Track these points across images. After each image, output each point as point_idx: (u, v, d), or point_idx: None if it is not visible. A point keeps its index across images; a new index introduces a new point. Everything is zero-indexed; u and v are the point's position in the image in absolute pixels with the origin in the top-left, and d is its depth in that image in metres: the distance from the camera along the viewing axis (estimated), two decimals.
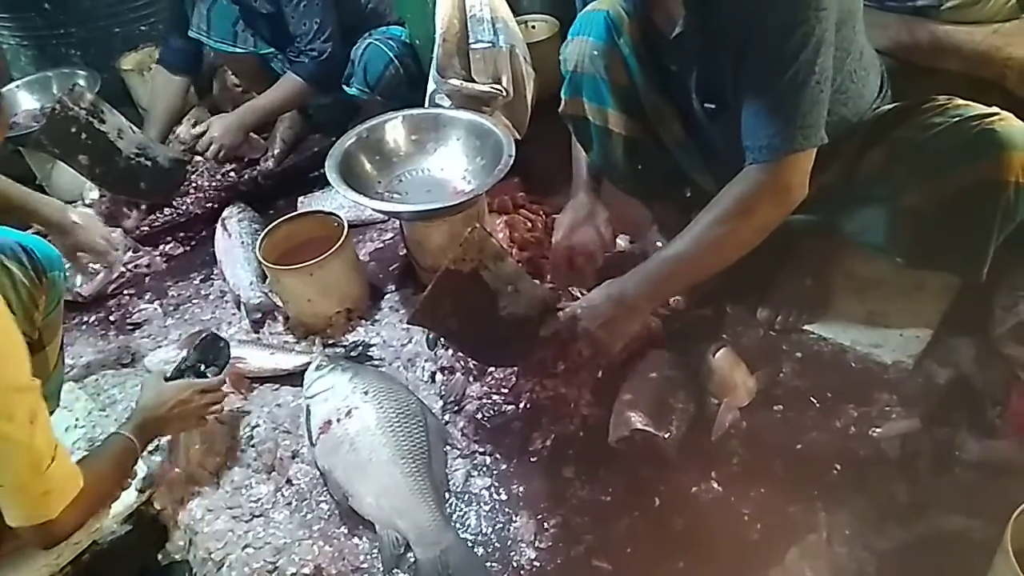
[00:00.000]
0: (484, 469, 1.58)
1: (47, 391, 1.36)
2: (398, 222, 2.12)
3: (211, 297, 2.18)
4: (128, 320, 2.12)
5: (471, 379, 1.72)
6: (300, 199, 2.45)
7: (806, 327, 1.73)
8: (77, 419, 1.73)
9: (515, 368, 1.69)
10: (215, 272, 2.25)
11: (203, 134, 2.41)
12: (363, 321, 1.96)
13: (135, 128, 2.40)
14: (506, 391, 1.68)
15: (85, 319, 2.13)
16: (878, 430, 1.50)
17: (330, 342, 1.91)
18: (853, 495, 1.41)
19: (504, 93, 2.17)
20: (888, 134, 1.44)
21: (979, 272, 1.43)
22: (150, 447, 1.66)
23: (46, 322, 1.39)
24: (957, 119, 1.36)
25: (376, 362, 1.84)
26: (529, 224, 2.12)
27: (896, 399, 1.55)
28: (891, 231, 1.47)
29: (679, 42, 1.41)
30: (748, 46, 1.28)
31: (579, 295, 1.78)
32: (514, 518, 1.48)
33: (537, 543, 1.43)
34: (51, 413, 1.38)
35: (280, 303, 2.01)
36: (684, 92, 1.50)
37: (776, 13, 1.22)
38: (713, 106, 1.45)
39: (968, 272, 1.46)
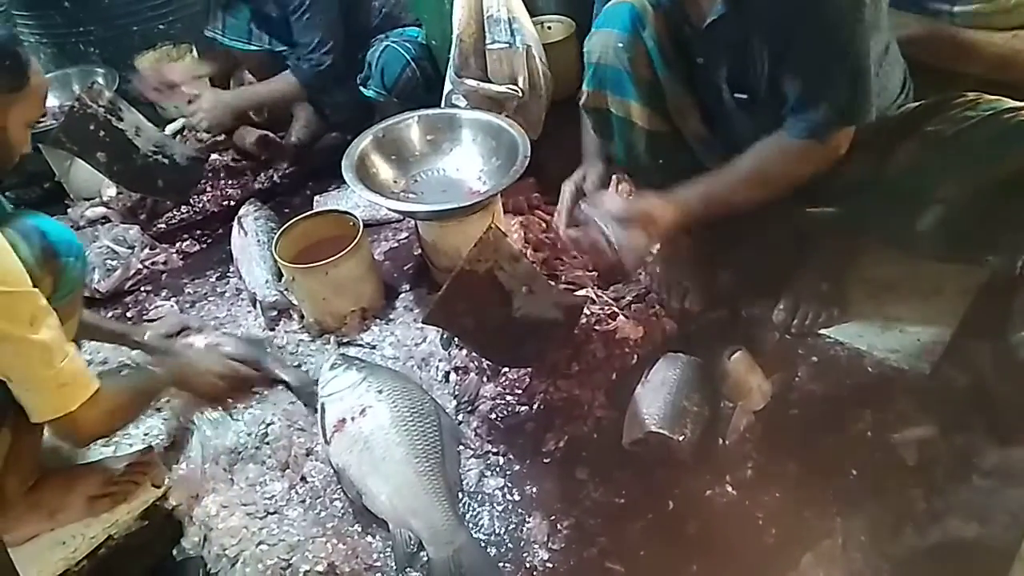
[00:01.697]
0: (497, 469, 1.58)
1: None
2: (413, 222, 2.13)
3: (227, 295, 2.19)
4: (145, 317, 2.13)
5: (485, 379, 1.72)
6: (316, 198, 2.46)
7: (822, 331, 1.72)
8: None
9: (529, 369, 1.69)
10: (231, 270, 2.26)
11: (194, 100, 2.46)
12: (377, 320, 1.97)
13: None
14: (520, 392, 1.68)
15: (102, 315, 2.14)
16: (894, 435, 1.49)
17: (345, 341, 1.92)
18: (869, 501, 1.40)
19: (520, 94, 2.17)
20: (918, 129, 1.43)
21: (1013, 265, 1.42)
22: (165, 443, 1.68)
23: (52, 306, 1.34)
24: (990, 112, 1.36)
25: (390, 361, 1.84)
26: (544, 225, 2.12)
27: (913, 404, 1.54)
28: (922, 225, 1.46)
29: (710, 32, 1.40)
30: (795, 32, 1.29)
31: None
32: (527, 519, 1.48)
33: (550, 544, 1.43)
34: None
35: (295, 301, 2.02)
36: (710, 85, 1.50)
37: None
38: (745, 96, 1.45)
39: (1001, 265, 1.44)
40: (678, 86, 1.55)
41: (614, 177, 1.76)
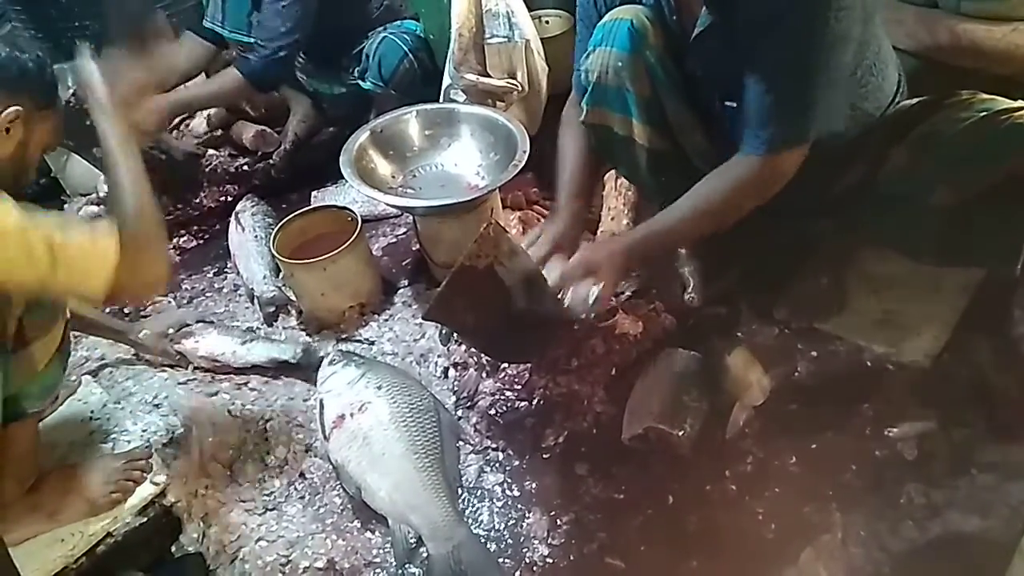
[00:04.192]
0: (497, 465, 1.58)
1: (34, 392, 1.33)
2: (411, 217, 2.12)
3: (224, 291, 2.19)
4: (142, 313, 2.12)
5: (484, 375, 1.71)
6: (314, 193, 2.46)
7: (821, 326, 1.71)
8: (92, 412, 1.73)
9: (528, 364, 1.69)
10: (228, 266, 2.26)
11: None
12: (376, 316, 1.97)
13: None
14: (519, 387, 1.68)
15: (99, 311, 2.13)
16: (894, 430, 1.49)
17: (343, 336, 1.91)
18: (868, 495, 1.40)
19: (519, 88, 2.16)
20: (912, 131, 1.42)
21: (1012, 268, 1.41)
22: (163, 440, 1.67)
23: (30, 321, 1.26)
24: (984, 113, 1.34)
25: (389, 357, 1.84)
26: (542, 220, 2.11)
27: (912, 399, 1.54)
28: (919, 230, 1.46)
29: (700, 42, 1.39)
30: (764, 39, 1.27)
31: None
32: (527, 514, 1.48)
33: (550, 540, 1.43)
34: (43, 415, 1.37)
35: (293, 297, 2.01)
36: (706, 96, 1.49)
37: (795, 9, 1.22)
38: (734, 105, 1.43)
39: (1000, 268, 1.44)
40: (679, 102, 1.54)
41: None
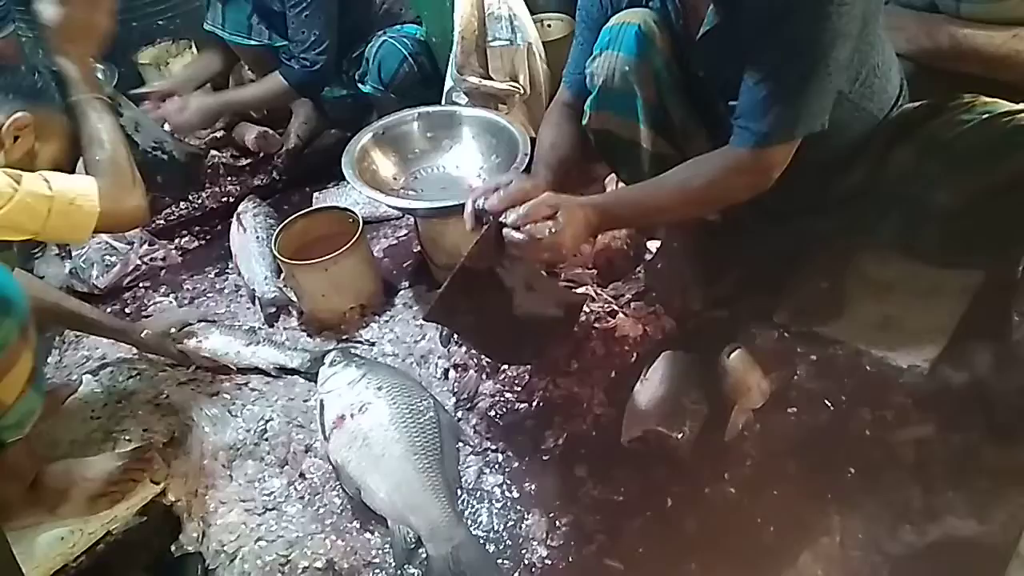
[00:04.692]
0: (496, 466, 1.58)
1: (11, 423, 1.26)
2: (413, 219, 2.13)
3: (226, 291, 2.19)
4: (143, 313, 2.13)
5: (484, 376, 1.72)
6: (315, 195, 2.46)
7: (821, 330, 1.72)
8: (93, 411, 1.74)
9: (528, 366, 1.70)
10: (230, 266, 2.26)
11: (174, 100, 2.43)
12: (377, 317, 1.97)
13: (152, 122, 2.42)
14: (519, 389, 1.68)
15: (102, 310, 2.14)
16: (893, 434, 1.49)
17: (344, 337, 1.92)
18: (867, 499, 1.40)
19: (521, 91, 2.17)
20: (915, 132, 1.43)
21: (1013, 269, 1.42)
22: (164, 439, 1.68)
23: None
24: (987, 115, 1.35)
25: (389, 358, 1.84)
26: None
27: (911, 403, 1.54)
28: (922, 230, 1.46)
29: (705, 41, 1.40)
30: (764, 35, 1.27)
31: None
32: (526, 516, 1.48)
33: (549, 541, 1.43)
34: (17, 441, 1.33)
35: (294, 298, 2.02)
36: (710, 98, 1.49)
37: (796, 5, 1.22)
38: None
39: (1001, 269, 1.45)
40: (684, 107, 1.53)
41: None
